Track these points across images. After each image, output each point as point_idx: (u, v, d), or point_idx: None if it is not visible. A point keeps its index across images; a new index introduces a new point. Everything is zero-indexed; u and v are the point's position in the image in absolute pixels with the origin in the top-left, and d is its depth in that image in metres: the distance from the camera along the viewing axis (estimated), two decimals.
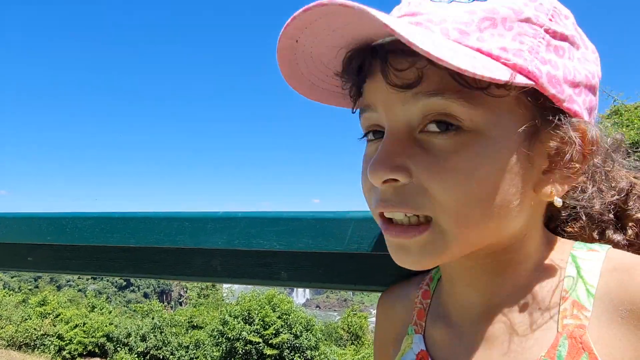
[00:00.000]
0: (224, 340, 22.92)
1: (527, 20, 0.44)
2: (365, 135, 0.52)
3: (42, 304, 27.49)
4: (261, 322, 22.99)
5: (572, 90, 0.46)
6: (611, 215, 0.55)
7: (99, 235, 0.90)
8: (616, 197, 0.54)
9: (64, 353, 24.63)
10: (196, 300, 33.95)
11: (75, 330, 25.13)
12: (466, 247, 0.48)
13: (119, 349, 25.08)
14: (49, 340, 24.99)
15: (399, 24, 0.39)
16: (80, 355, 24.79)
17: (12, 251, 1.04)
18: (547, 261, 0.51)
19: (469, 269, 0.53)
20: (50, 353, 24.66)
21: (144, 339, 24.94)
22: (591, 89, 0.48)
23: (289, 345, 22.82)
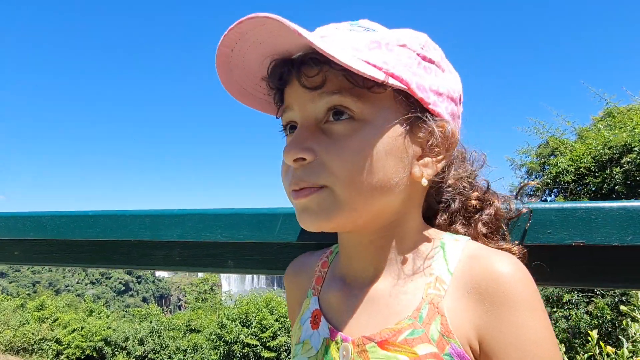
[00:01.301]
0: (222, 344, 22.93)
1: (404, 46, 0.60)
2: (284, 130, 0.68)
3: (40, 309, 27.51)
4: (259, 325, 23.01)
5: (436, 97, 0.62)
6: (463, 215, 0.70)
7: (74, 231, 1.03)
8: (473, 201, 0.70)
9: (62, 357, 24.64)
10: (194, 304, 33.97)
11: (74, 334, 25.14)
12: (355, 214, 0.60)
13: (116, 352, 25.09)
14: (47, 345, 25.01)
15: (312, 35, 0.54)
16: (78, 359, 24.79)
17: (0, 247, 1.18)
18: (423, 242, 0.65)
19: (362, 243, 0.67)
20: (48, 357, 24.67)
21: (141, 342, 24.96)
22: (452, 100, 0.64)
23: (286, 347, 22.85)
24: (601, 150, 10.27)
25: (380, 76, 0.55)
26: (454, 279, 0.59)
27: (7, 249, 1.17)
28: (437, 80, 0.62)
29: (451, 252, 0.62)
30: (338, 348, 0.63)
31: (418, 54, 0.61)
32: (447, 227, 0.69)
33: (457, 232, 0.68)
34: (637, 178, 9.62)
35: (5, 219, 1.11)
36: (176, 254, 0.99)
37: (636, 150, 9.71)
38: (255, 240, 0.88)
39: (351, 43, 0.59)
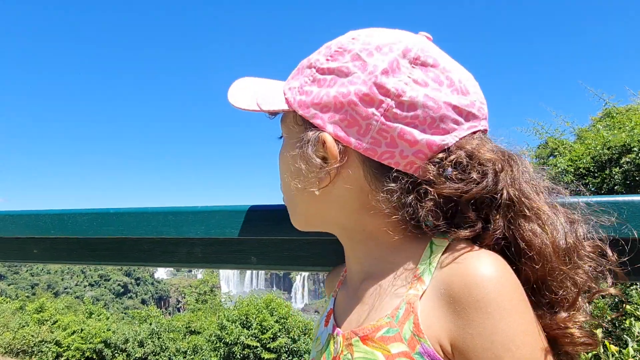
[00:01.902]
0: (222, 345, 22.93)
1: (310, 66, 0.66)
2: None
3: (40, 311, 27.46)
4: (259, 327, 23.01)
5: (318, 110, 0.63)
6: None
7: (96, 229, 1.04)
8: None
9: (62, 359, 24.61)
10: (194, 306, 33.93)
11: (73, 336, 25.10)
12: (299, 215, 0.72)
13: (116, 354, 25.05)
14: (47, 347, 24.96)
15: (233, 89, 0.73)
16: None
17: (19, 245, 1.19)
18: (409, 244, 0.63)
19: (349, 245, 0.70)
20: (48, 359, 24.63)
21: (141, 344, 24.93)
22: (341, 106, 0.61)
23: (286, 349, 22.86)
24: (600, 151, 10.30)
25: (255, 106, 0.69)
26: (433, 280, 0.58)
27: (26, 247, 1.17)
28: (325, 92, 0.63)
29: (436, 252, 0.60)
30: (335, 342, 0.66)
31: (317, 70, 0.65)
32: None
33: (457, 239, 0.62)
34: (637, 178, 9.65)
35: (26, 217, 1.12)
36: (199, 251, 1.00)
37: (635, 151, 9.74)
38: (277, 237, 0.89)
39: (292, 73, 0.70)
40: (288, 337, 22.96)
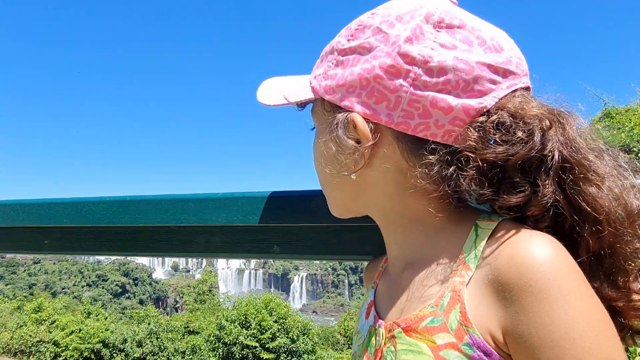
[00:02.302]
0: (221, 345, 22.88)
1: (332, 50, 0.64)
2: None
3: (38, 311, 27.39)
4: (258, 327, 22.97)
5: (344, 92, 0.60)
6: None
7: (111, 217, 1.00)
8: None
9: (60, 359, 24.53)
10: (192, 306, 33.87)
11: (71, 336, 25.03)
12: (337, 205, 0.70)
13: (115, 354, 24.98)
14: (45, 347, 24.89)
15: (262, 88, 0.72)
16: None
17: (29, 235, 1.15)
18: (453, 226, 0.60)
19: (387, 230, 0.67)
20: (45, 359, 24.54)
21: (140, 344, 24.87)
22: (367, 82, 0.58)
23: (285, 349, 22.81)
24: None
25: (282, 100, 0.68)
26: (479, 265, 0.54)
27: (36, 237, 1.14)
28: (349, 72, 0.60)
29: (483, 235, 0.56)
30: (377, 334, 0.63)
31: (339, 51, 0.62)
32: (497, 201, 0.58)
33: (504, 207, 0.56)
34: None
35: (37, 206, 1.08)
36: (218, 240, 0.96)
37: (635, 151, 9.74)
38: (303, 224, 0.86)
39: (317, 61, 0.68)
40: (287, 337, 22.92)
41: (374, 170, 0.61)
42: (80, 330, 25.33)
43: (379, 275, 0.74)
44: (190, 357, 24.07)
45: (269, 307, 23.81)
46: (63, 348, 24.71)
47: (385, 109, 0.58)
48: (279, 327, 22.96)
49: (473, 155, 0.54)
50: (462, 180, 0.55)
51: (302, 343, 23.21)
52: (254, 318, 23.13)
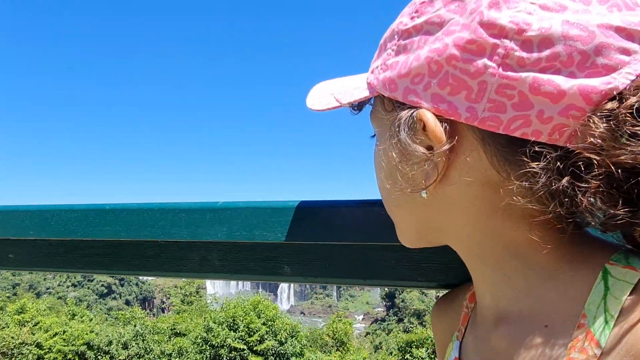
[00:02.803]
0: (208, 348, 22.60)
1: (392, 35, 0.49)
2: None
3: (21, 312, 26.79)
4: (246, 329, 22.75)
5: (409, 83, 0.45)
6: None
7: (87, 229, 0.84)
8: None
9: None
10: (179, 307, 33.47)
11: (55, 338, 24.53)
12: (407, 231, 0.55)
13: (99, 357, 24.55)
14: (27, 349, 24.31)
15: (313, 92, 0.59)
16: None
17: None
18: (563, 268, 0.43)
19: (471, 267, 0.51)
20: None
21: (125, 346, 24.48)
22: (438, 67, 0.42)
23: (273, 352, 22.61)
24: None
25: (334, 103, 0.54)
26: (613, 338, 0.38)
27: (0, 250, 0.97)
28: (414, 57, 0.45)
29: (617, 291, 0.39)
30: None
31: (402, 32, 0.47)
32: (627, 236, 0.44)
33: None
34: None
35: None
36: (215, 258, 0.80)
37: None
38: (322, 242, 0.70)
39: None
40: (275, 340, 22.74)
41: (452, 184, 0.46)
42: (64, 332, 24.83)
43: (465, 320, 0.57)
44: (176, 359, 23.74)
45: (258, 309, 23.58)
46: (46, 350, 24.18)
47: (464, 101, 0.42)
48: (267, 330, 22.78)
49: (599, 158, 0.37)
50: (581, 195, 0.38)
51: (291, 345, 23.05)
52: (242, 320, 22.91)
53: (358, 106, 0.55)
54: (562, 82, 0.38)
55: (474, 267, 0.51)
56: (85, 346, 24.51)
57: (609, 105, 0.38)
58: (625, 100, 0.37)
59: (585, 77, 0.38)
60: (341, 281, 0.73)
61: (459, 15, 0.42)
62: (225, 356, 22.16)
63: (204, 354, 22.61)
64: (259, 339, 22.49)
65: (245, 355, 22.24)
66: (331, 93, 0.56)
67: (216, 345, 22.32)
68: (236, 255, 0.79)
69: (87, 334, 24.98)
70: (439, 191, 0.46)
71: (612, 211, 0.38)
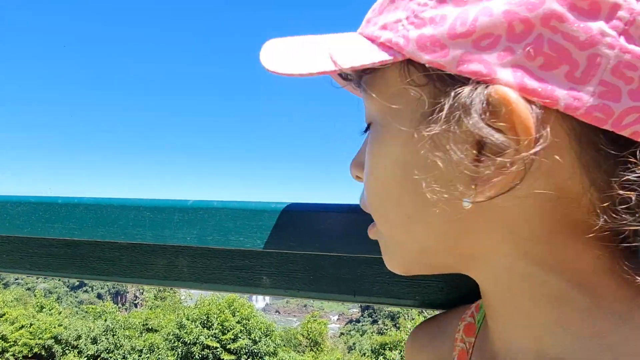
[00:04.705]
0: (180, 345, 22.29)
1: None
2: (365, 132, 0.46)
3: None
4: (220, 327, 22.50)
5: (470, 46, 0.31)
6: None
7: (36, 225, 0.72)
8: None
9: (7, 355, 23.29)
10: (152, 303, 32.94)
11: (21, 331, 23.81)
12: (407, 250, 0.42)
13: (67, 351, 23.94)
14: None
15: (272, 52, 0.42)
16: (25, 357, 23.50)
17: None
18: (631, 309, 0.34)
19: (499, 299, 0.39)
20: None
21: (94, 341, 23.93)
22: (527, 27, 0.30)
23: (247, 350, 22.42)
24: None
25: (330, 66, 0.37)
26: None
27: None
28: (483, 6, 0.31)
29: None
30: None
31: None
32: None
33: None
34: None
35: None
36: (184, 264, 0.70)
37: None
38: (308, 251, 0.61)
39: (372, 9, 0.40)
40: (249, 339, 22.55)
41: (517, 195, 0.32)
42: (31, 324, 24.13)
43: (463, 356, 0.47)
44: (147, 355, 23.34)
45: (232, 307, 23.33)
46: (11, 343, 23.45)
47: (565, 80, 0.30)
48: (242, 328, 22.56)
49: None
50: None
51: (264, 345, 22.88)
52: (217, 318, 22.65)
53: (357, 75, 0.40)
54: None
55: (503, 302, 0.39)
56: (53, 340, 23.87)
57: None
58: None
59: None
60: (327, 296, 0.63)
61: None
62: (197, 354, 21.87)
63: (176, 351, 22.28)
64: (232, 337, 22.26)
65: (218, 353, 21.98)
66: (317, 53, 0.40)
67: (189, 342, 22.01)
68: (208, 262, 0.69)
69: (55, 327, 24.34)
70: (491, 202, 0.33)
71: None
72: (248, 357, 22.46)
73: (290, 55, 0.41)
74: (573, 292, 0.35)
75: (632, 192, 0.30)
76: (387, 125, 0.39)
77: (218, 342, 22.10)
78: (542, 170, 0.32)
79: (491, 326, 0.43)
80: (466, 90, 0.31)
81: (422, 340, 0.55)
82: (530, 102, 0.30)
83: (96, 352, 23.52)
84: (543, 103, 0.30)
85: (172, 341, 22.67)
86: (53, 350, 23.84)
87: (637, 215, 0.30)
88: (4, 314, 24.93)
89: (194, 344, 21.98)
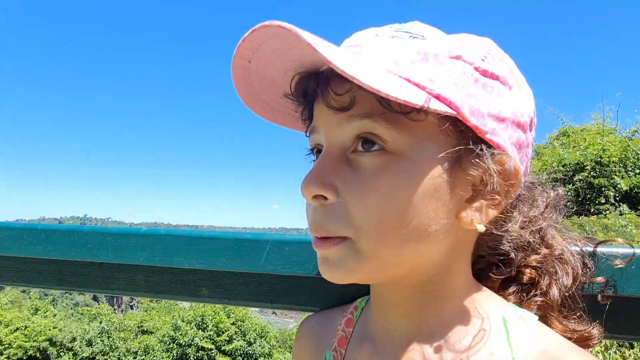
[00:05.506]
0: (175, 346, 22.35)
1: (458, 57, 0.48)
2: (311, 152, 0.57)
3: None
4: (215, 328, 22.58)
5: (497, 124, 0.48)
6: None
7: (20, 246, 0.89)
8: (543, 251, 0.56)
9: (2, 357, 23.29)
10: (148, 305, 32.96)
11: (16, 333, 23.82)
12: (382, 267, 0.50)
13: (62, 353, 23.97)
14: None
15: (330, 49, 0.42)
16: (20, 359, 23.52)
17: None
18: (476, 310, 0.53)
19: (399, 299, 0.56)
20: None
21: (90, 343, 23.97)
22: (519, 126, 0.51)
23: (242, 352, 22.50)
24: (555, 167, 10.67)
25: (419, 100, 0.43)
26: None
27: None
28: (499, 102, 0.49)
29: (517, 337, 0.50)
30: None
31: (477, 68, 0.48)
32: (499, 290, 0.57)
33: (516, 302, 0.55)
34: (588, 196, 10.04)
35: None
36: (141, 278, 0.87)
37: (587, 169, 10.15)
38: (236, 270, 0.78)
39: (391, 55, 0.48)
40: (244, 340, 22.63)
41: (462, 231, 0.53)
42: (26, 327, 24.15)
43: (342, 344, 0.63)
44: (142, 357, 23.39)
45: (227, 308, 23.43)
46: (6, 346, 23.47)
47: (525, 158, 0.54)
48: (237, 330, 22.64)
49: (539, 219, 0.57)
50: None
51: (259, 346, 22.97)
52: (212, 320, 22.72)
53: (403, 110, 0.46)
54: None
55: (397, 301, 0.56)
56: (48, 342, 23.90)
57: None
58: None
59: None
60: (250, 304, 0.80)
61: (519, 91, 0.53)
62: (192, 355, 21.95)
63: (171, 353, 22.35)
64: (227, 338, 22.35)
65: (213, 354, 22.08)
66: (390, 79, 0.45)
67: (183, 344, 22.09)
68: (159, 277, 0.86)
69: (50, 329, 24.36)
70: (456, 232, 0.51)
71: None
72: (243, 359, 22.56)
73: (362, 66, 0.44)
74: (447, 296, 0.54)
75: (514, 228, 0.54)
76: (410, 161, 0.47)
77: (213, 343, 22.19)
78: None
79: (376, 316, 0.60)
80: (490, 154, 0.48)
81: (311, 326, 0.71)
82: (518, 170, 0.51)
83: (91, 354, 23.56)
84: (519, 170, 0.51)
85: (167, 343, 22.74)
86: (48, 352, 23.86)
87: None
88: None
89: (189, 345, 22.06)
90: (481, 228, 0.48)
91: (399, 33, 0.50)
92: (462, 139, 0.48)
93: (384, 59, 0.48)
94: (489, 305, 0.53)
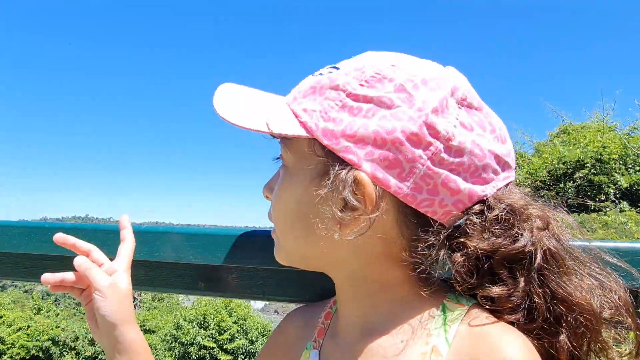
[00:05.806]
0: (177, 345, 22.43)
1: (336, 88, 0.56)
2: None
3: None
4: (217, 327, 22.66)
5: (351, 143, 0.54)
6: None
7: (28, 243, 0.94)
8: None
9: (5, 357, 23.43)
10: (150, 304, 33.10)
11: (19, 333, 23.93)
12: (294, 256, 0.64)
13: (65, 353, 24.07)
14: None
15: (221, 103, 0.61)
16: (23, 359, 23.61)
17: None
18: (419, 301, 0.58)
19: (346, 290, 0.63)
20: None
21: (92, 343, 24.06)
22: (384, 143, 0.53)
23: (244, 350, 22.60)
24: (556, 165, 10.73)
25: (263, 127, 0.58)
26: (452, 353, 0.53)
27: None
28: (363, 123, 0.54)
29: (452, 320, 0.55)
30: None
31: (349, 94, 0.55)
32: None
33: (486, 298, 0.57)
34: (588, 193, 10.09)
35: None
36: (142, 273, 0.92)
37: (587, 167, 10.20)
38: (230, 264, 0.83)
39: (296, 90, 0.61)
40: (246, 339, 22.72)
41: (364, 234, 0.56)
42: (28, 327, 24.26)
43: (321, 334, 0.69)
44: None
45: (229, 307, 23.53)
46: (9, 345, 23.59)
47: (396, 177, 0.54)
48: (239, 329, 22.72)
49: (468, 243, 0.54)
50: (451, 264, 0.55)
51: (261, 345, 23.04)
52: (213, 318, 22.80)
53: (282, 137, 0.61)
54: (461, 183, 0.54)
55: (350, 294, 0.63)
56: (50, 342, 24.01)
57: (477, 207, 0.55)
58: (492, 208, 0.55)
59: (473, 184, 0.55)
60: (244, 296, 0.86)
61: (408, 107, 0.54)
62: (194, 354, 22.05)
63: (173, 352, 22.44)
64: (229, 337, 22.44)
65: (215, 353, 22.16)
66: (258, 114, 0.60)
67: (186, 342, 22.18)
68: (159, 271, 0.91)
69: (52, 329, 24.46)
70: (359, 238, 0.56)
71: (469, 280, 0.55)
72: (245, 357, 22.65)
73: (240, 110, 0.61)
74: (381, 291, 0.60)
75: (418, 245, 0.55)
76: (295, 175, 0.60)
77: (215, 342, 22.28)
78: (381, 222, 0.56)
79: (340, 310, 0.67)
80: (342, 171, 0.54)
81: (295, 318, 0.77)
82: (375, 184, 0.54)
83: (94, 353, 23.67)
84: (382, 186, 0.54)
85: (170, 342, 22.83)
86: (51, 352, 23.97)
87: (427, 256, 0.55)
88: (1, 317, 25.07)
89: (191, 344, 22.15)
90: (337, 237, 0.56)
91: (327, 69, 0.60)
92: (326, 156, 0.56)
93: (292, 95, 0.61)
94: (432, 299, 0.58)
